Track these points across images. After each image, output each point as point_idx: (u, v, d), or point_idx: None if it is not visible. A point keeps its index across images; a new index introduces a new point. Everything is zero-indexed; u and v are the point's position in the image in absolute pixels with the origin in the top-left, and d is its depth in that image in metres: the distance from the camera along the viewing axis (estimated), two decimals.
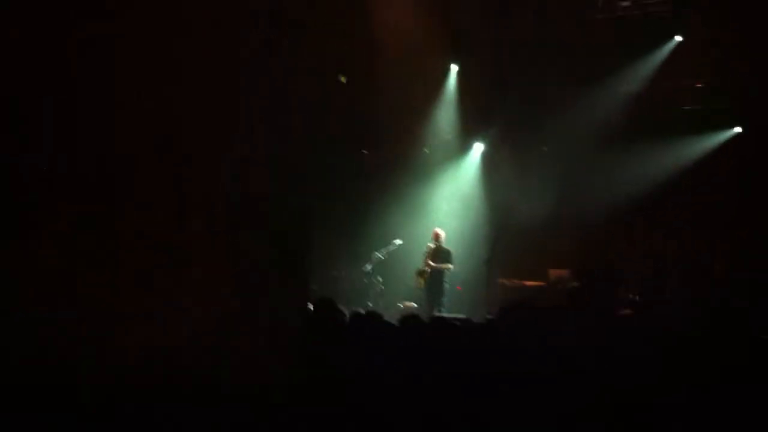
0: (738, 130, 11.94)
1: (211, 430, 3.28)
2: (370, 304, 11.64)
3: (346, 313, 5.13)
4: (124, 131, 3.46)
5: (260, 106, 3.81)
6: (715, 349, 3.63)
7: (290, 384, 3.50)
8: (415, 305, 11.67)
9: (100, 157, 3.39)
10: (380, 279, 12.10)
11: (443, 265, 11.43)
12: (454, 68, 13.15)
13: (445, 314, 10.33)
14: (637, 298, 10.96)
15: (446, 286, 11.52)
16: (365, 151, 13.52)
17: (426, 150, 13.59)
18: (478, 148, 13.73)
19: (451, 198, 13.54)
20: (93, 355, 3.19)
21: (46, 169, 3.27)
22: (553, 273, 11.81)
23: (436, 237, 11.68)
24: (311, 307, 4.80)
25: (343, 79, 12.56)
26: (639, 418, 2.98)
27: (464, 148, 13.74)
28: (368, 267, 12.02)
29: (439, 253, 11.58)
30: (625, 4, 11.46)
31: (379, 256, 11.99)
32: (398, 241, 12.16)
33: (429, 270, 11.45)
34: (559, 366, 3.26)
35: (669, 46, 11.74)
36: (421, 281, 11.58)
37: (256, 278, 3.71)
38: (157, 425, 3.19)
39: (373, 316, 5.01)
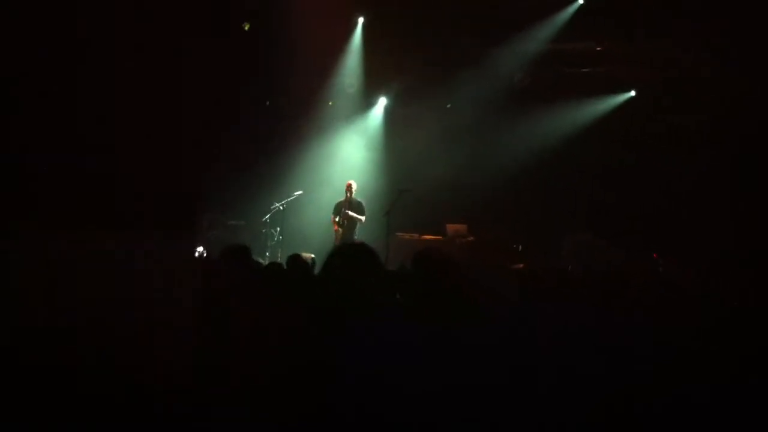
0: (632, 93, 12.35)
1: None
2: (268, 254, 11.51)
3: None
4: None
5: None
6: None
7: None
8: (313, 256, 11.56)
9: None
10: (278, 230, 11.94)
11: (357, 216, 11.40)
12: (360, 21, 12.98)
13: None
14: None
15: (356, 238, 11.47)
16: (268, 102, 13.25)
17: (330, 102, 13.44)
18: (381, 103, 13.68)
19: (354, 151, 13.46)
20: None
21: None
22: (451, 228, 11.94)
23: (349, 188, 11.59)
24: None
25: (246, 27, 12.22)
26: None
27: (369, 102, 13.67)
28: (266, 217, 11.84)
29: (351, 205, 11.52)
30: None
31: (278, 206, 11.82)
32: (298, 192, 12.01)
33: (345, 221, 11.35)
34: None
35: (572, 8, 11.93)
36: (341, 231, 11.45)
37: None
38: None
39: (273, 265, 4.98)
